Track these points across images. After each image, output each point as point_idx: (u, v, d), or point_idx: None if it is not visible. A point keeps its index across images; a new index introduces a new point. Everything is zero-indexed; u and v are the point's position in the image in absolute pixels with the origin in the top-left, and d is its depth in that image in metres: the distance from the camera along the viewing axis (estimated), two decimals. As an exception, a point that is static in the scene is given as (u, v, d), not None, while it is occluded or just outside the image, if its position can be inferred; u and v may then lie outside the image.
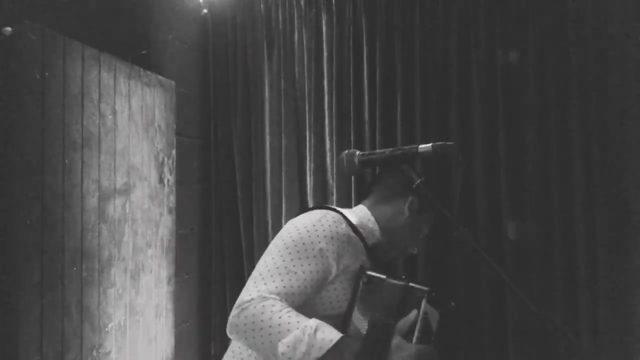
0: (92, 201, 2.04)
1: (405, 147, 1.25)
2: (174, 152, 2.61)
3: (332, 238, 1.28)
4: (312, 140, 2.80)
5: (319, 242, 1.27)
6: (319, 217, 1.33)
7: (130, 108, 2.28)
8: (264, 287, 1.21)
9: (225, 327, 1.23)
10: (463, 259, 2.56)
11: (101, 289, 2.07)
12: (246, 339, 1.17)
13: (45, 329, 1.80)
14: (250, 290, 1.21)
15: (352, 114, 2.74)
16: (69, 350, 1.90)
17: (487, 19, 2.60)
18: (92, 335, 2.01)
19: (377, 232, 1.43)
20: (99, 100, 2.09)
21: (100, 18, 2.22)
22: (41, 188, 1.81)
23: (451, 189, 2.55)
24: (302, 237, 1.28)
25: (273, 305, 1.17)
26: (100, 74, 2.10)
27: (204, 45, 3.02)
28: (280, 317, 1.15)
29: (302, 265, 1.24)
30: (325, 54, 2.81)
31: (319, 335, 1.12)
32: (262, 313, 1.16)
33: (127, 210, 2.24)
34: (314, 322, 1.15)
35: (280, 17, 2.90)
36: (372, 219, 1.44)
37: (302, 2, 2.86)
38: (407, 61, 2.68)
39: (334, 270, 1.28)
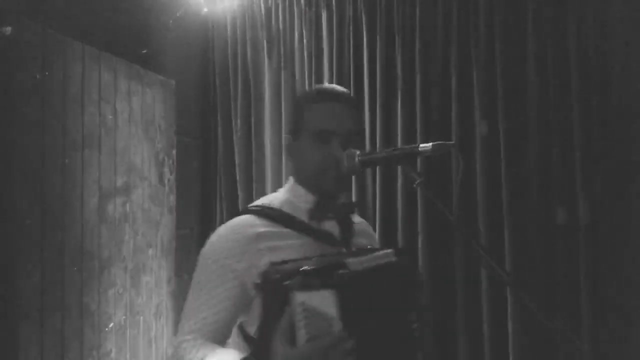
0: (92, 201, 2.04)
1: (406, 147, 1.24)
2: (174, 152, 2.61)
3: (236, 247, 1.17)
4: (312, 140, 2.79)
5: (225, 259, 1.17)
6: (219, 232, 1.23)
7: (130, 108, 2.28)
8: (183, 329, 1.17)
9: None
10: (463, 260, 2.56)
11: (101, 289, 2.07)
12: None
13: (45, 329, 1.80)
14: (177, 332, 1.19)
15: (352, 113, 2.73)
16: (69, 350, 1.90)
17: (488, 18, 2.60)
18: (92, 335, 2.01)
19: (307, 193, 1.26)
20: (99, 100, 2.09)
21: (100, 18, 2.22)
22: (41, 188, 1.81)
23: (452, 189, 2.56)
24: (207, 261, 1.19)
25: (184, 352, 1.13)
26: (100, 74, 2.10)
27: (204, 45, 3.02)
28: None
29: (214, 289, 1.16)
30: (325, 54, 2.81)
31: None
32: None
33: (127, 210, 2.24)
34: (205, 354, 1.10)
35: (280, 17, 2.90)
36: (296, 186, 1.28)
37: (302, 2, 2.86)
38: (407, 61, 2.68)
39: (249, 281, 1.16)
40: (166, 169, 2.54)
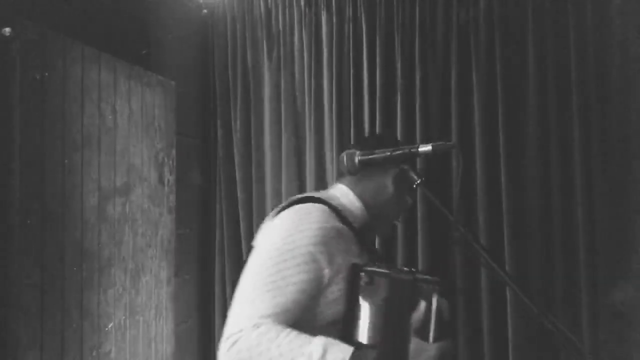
0: (92, 201, 2.04)
1: (405, 147, 1.24)
2: (174, 152, 2.61)
3: (320, 236, 1.13)
4: (312, 140, 2.80)
5: (306, 245, 1.11)
6: (301, 215, 1.17)
7: (130, 108, 2.28)
8: (253, 311, 1.06)
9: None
10: (463, 260, 2.56)
11: (101, 289, 2.07)
12: None
13: (45, 329, 1.80)
14: (239, 318, 1.06)
15: (352, 113, 2.74)
16: (69, 350, 1.90)
17: (488, 19, 2.60)
18: (92, 335, 2.01)
19: (364, 212, 1.31)
20: (99, 100, 2.09)
21: (100, 18, 2.22)
22: (41, 188, 1.81)
23: (451, 189, 2.56)
24: (286, 243, 1.12)
25: (268, 332, 1.02)
26: (100, 74, 2.10)
27: (204, 45, 3.02)
28: (279, 346, 1.00)
29: (291, 275, 1.09)
30: (325, 54, 2.81)
31: (329, 357, 1.00)
32: (258, 344, 1.01)
33: (127, 210, 2.24)
34: (319, 344, 1.02)
35: (280, 17, 2.90)
36: (355, 199, 1.32)
37: (302, 2, 2.86)
38: (407, 61, 2.68)
39: (327, 273, 1.13)
40: (166, 169, 2.54)
